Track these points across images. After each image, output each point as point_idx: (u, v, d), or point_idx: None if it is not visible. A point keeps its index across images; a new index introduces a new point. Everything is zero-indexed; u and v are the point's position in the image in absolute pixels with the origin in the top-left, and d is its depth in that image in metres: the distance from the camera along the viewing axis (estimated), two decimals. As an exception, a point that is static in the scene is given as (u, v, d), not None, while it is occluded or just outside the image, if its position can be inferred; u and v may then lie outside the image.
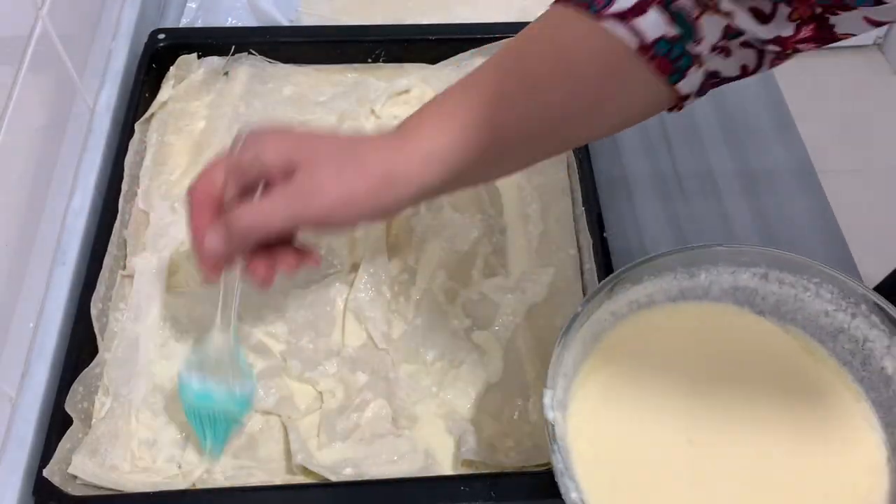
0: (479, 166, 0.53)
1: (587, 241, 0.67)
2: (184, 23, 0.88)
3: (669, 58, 0.47)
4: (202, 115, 0.78)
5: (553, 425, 0.48)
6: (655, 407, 0.53)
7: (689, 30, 0.46)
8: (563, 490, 0.46)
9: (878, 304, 0.52)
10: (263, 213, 0.51)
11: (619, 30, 0.47)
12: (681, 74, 0.48)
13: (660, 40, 0.47)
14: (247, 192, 0.52)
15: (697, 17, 0.46)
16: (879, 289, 0.85)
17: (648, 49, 0.47)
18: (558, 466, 0.46)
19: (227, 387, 0.57)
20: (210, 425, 0.57)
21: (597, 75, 0.50)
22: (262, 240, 0.53)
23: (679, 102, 0.50)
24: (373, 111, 0.79)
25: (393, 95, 0.80)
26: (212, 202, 0.53)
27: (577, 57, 0.50)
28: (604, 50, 0.48)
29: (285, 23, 0.87)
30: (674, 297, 0.57)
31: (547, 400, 0.49)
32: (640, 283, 0.55)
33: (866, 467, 0.50)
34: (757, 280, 0.56)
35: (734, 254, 0.56)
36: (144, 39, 0.80)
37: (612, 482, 0.50)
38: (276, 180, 0.51)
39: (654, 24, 0.46)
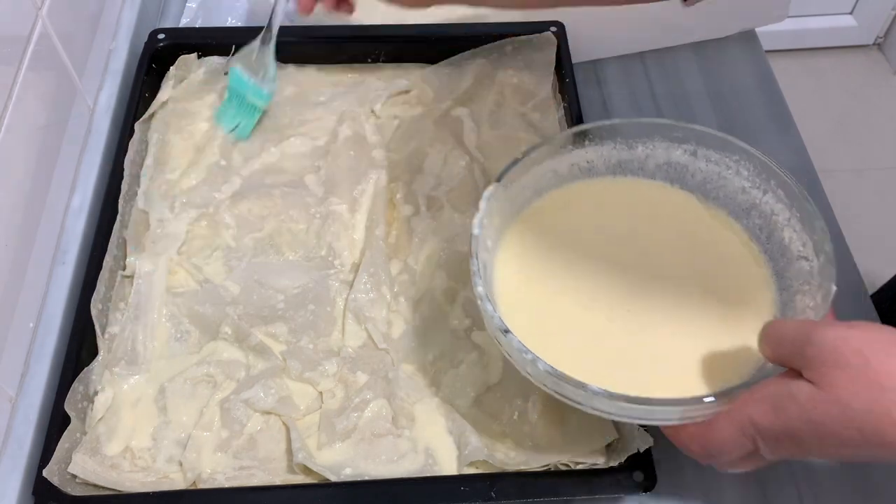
0: None
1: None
2: (184, 23, 0.88)
3: None
4: (203, 115, 0.78)
5: (478, 236, 0.55)
6: (577, 255, 0.60)
7: None
8: (473, 284, 0.53)
9: (785, 180, 0.57)
10: None
11: None
12: None
13: None
14: None
15: None
16: (881, 293, 0.85)
17: None
18: (473, 268, 0.54)
19: (257, 82, 0.76)
20: (240, 108, 0.76)
21: None
22: None
23: None
24: (373, 111, 0.79)
25: (393, 95, 0.80)
26: None
27: None
28: None
29: (285, 23, 0.86)
30: (613, 169, 0.63)
31: (476, 220, 0.56)
32: (581, 147, 0.61)
33: (756, 314, 0.56)
34: (687, 157, 0.62)
35: (668, 128, 0.61)
36: (144, 39, 0.80)
37: (523, 298, 0.58)
38: None
39: None
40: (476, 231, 0.56)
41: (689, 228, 0.62)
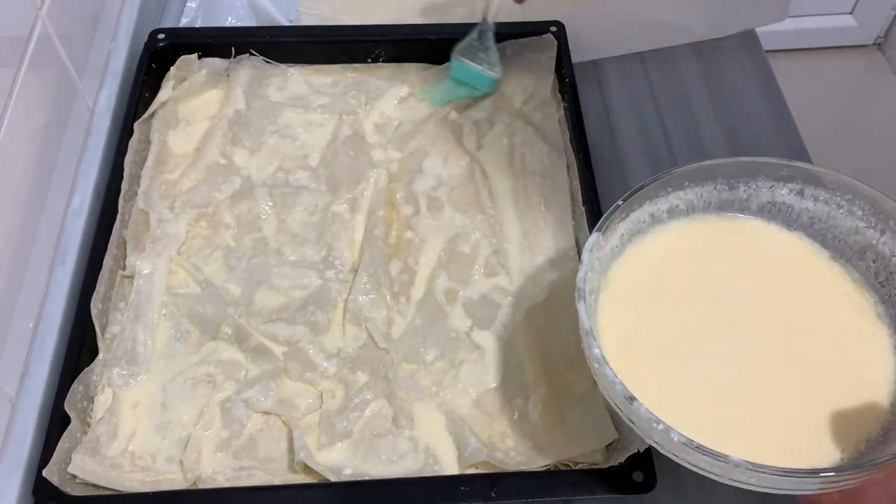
0: None
1: (587, 241, 0.67)
2: (184, 22, 0.88)
3: None
4: (203, 115, 0.78)
5: (583, 290, 0.52)
6: (680, 306, 0.57)
7: None
8: (587, 346, 0.50)
9: None
10: None
11: None
12: None
13: None
14: None
15: None
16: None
17: None
18: (585, 328, 0.51)
19: (480, 69, 0.78)
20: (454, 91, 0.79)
21: None
22: None
23: None
24: (373, 111, 0.79)
25: (393, 97, 0.80)
26: None
27: None
28: None
29: (285, 23, 0.87)
30: (712, 208, 0.60)
31: (581, 274, 0.53)
32: (681, 189, 0.59)
33: (877, 364, 0.53)
34: (793, 196, 0.59)
35: (773, 167, 0.58)
36: (144, 39, 0.80)
37: (632, 355, 0.54)
38: None
39: None
40: (581, 285, 0.53)
41: (797, 274, 0.59)
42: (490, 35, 0.78)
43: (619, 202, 0.56)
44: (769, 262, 0.59)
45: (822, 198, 0.58)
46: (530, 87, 0.80)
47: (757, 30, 0.89)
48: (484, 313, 0.66)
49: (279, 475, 0.59)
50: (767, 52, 0.88)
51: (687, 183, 0.59)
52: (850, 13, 2.06)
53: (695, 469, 0.49)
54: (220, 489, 0.58)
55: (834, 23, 2.07)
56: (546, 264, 0.68)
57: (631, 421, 0.50)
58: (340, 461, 0.59)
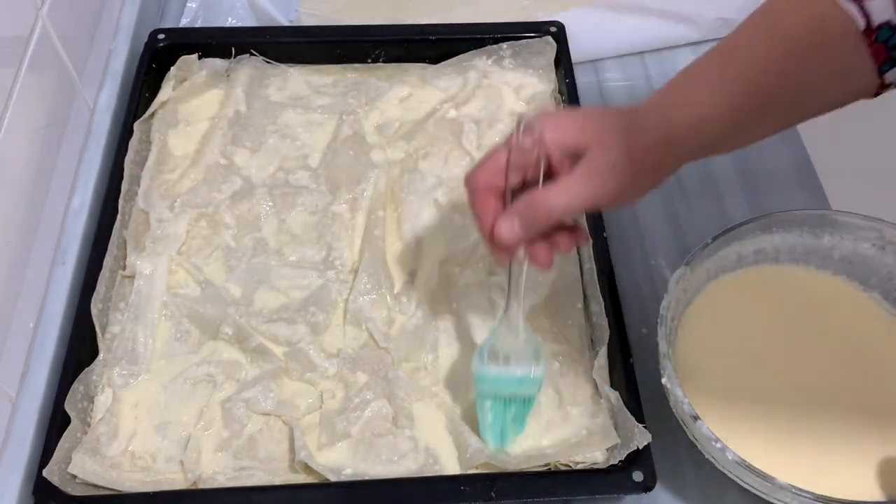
0: (737, 132, 0.53)
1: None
2: (184, 23, 0.88)
3: (887, 45, 0.48)
4: (203, 115, 0.78)
5: (665, 317, 0.56)
6: (758, 345, 0.62)
7: None
8: (662, 368, 0.55)
9: None
10: (567, 195, 0.50)
11: (850, 7, 0.47)
12: (892, 63, 0.48)
13: (884, 26, 0.47)
14: (525, 179, 0.52)
15: None
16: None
17: (871, 33, 0.47)
18: (662, 351, 0.55)
19: (522, 370, 0.58)
20: (503, 411, 0.59)
21: (810, 44, 0.50)
22: (559, 222, 0.53)
23: (878, 91, 0.51)
24: (373, 111, 0.79)
25: (393, 97, 0.80)
26: (494, 189, 0.53)
27: (789, 20, 0.51)
28: (824, 20, 0.49)
29: (285, 23, 0.87)
30: (797, 258, 0.64)
31: (664, 303, 0.57)
32: (769, 232, 0.62)
33: None
34: (875, 250, 0.62)
35: (857, 223, 0.62)
36: (144, 39, 0.80)
37: (703, 383, 0.59)
38: (559, 165, 0.51)
39: (882, 8, 0.47)
40: (663, 312, 0.57)
41: (866, 332, 0.62)
42: (521, 314, 0.57)
43: (708, 240, 0.60)
44: (840, 316, 0.63)
45: None
46: (530, 88, 0.80)
47: (757, 30, 0.89)
48: (484, 313, 0.66)
49: (279, 475, 0.59)
50: (767, 52, 0.88)
51: (775, 227, 0.62)
52: (850, 13, 2.06)
53: (743, 485, 0.54)
54: (220, 489, 0.58)
55: (834, 23, 2.06)
56: (546, 264, 0.68)
57: (694, 437, 0.55)
58: (340, 461, 0.59)
